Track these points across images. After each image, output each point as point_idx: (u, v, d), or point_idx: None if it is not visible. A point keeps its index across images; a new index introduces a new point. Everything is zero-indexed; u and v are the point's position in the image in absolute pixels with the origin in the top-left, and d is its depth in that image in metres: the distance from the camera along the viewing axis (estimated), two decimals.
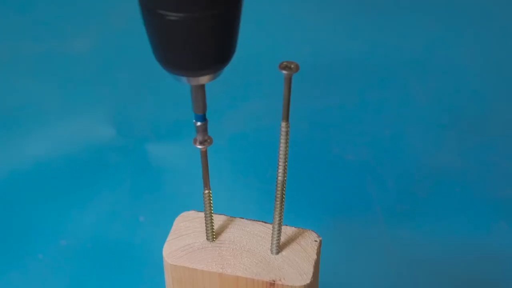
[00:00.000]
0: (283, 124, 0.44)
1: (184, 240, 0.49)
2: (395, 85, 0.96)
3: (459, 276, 0.73)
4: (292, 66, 0.41)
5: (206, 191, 0.48)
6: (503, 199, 0.80)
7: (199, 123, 0.45)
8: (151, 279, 0.72)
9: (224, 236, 0.49)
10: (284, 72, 0.41)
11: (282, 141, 0.45)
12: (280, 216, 0.47)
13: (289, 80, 0.42)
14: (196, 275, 0.47)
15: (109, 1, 1.10)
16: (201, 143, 0.45)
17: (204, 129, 0.45)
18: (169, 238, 0.49)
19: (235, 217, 0.50)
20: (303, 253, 0.48)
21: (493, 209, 0.79)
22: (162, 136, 0.89)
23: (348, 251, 0.74)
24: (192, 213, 0.51)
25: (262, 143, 0.87)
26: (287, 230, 0.49)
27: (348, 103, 0.93)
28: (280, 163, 0.45)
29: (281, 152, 0.45)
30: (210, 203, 0.48)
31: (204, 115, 0.45)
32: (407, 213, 0.79)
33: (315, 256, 0.48)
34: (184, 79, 0.42)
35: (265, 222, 0.50)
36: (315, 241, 0.49)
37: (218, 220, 0.50)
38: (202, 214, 0.50)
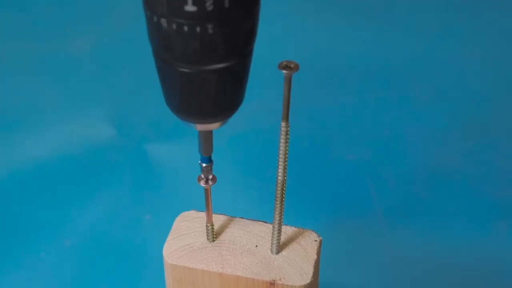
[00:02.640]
0: (283, 124, 0.44)
1: (184, 240, 0.49)
2: (395, 85, 0.96)
3: (459, 276, 0.73)
4: (292, 65, 0.41)
5: (209, 225, 0.48)
6: (503, 199, 0.80)
7: (204, 164, 0.46)
8: (151, 279, 0.72)
9: (224, 236, 0.49)
10: (284, 71, 0.41)
11: (282, 141, 0.45)
12: (280, 216, 0.47)
13: (289, 80, 0.42)
14: (196, 275, 0.47)
15: (109, 1, 1.10)
16: (205, 182, 0.46)
17: (209, 170, 0.46)
18: (169, 238, 0.49)
19: (235, 217, 0.50)
20: (303, 253, 0.48)
21: (493, 209, 0.79)
22: (162, 136, 0.89)
23: (348, 251, 0.74)
24: (192, 213, 0.51)
25: (262, 143, 0.87)
26: (287, 230, 0.49)
27: (348, 103, 0.93)
28: (280, 163, 0.45)
29: (281, 152, 0.45)
30: (213, 235, 0.49)
31: (210, 157, 0.46)
32: (407, 213, 0.79)
33: (315, 256, 0.48)
34: (193, 125, 0.43)
35: (265, 222, 0.50)
36: (315, 241, 0.49)
37: (218, 220, 0.50)
38: (202, 214, 0.50)
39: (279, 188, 0.46)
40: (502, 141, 0.87)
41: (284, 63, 0.41)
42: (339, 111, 0.92)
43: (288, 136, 0.45)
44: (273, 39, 1.01)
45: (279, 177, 0.46)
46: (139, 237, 0.77)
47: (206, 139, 0.45)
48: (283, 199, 0.46)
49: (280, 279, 0.46)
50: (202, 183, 0.46)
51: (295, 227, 0.49)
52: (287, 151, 0.45)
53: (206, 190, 0.47)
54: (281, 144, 0.45)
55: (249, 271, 0.47)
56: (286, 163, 0.46)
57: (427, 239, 0.76)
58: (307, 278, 0.46)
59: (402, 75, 0.97)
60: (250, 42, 0.39)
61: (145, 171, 0.84)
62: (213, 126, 0.43)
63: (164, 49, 0.38)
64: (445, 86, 0.96)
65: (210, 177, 0.46)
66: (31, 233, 0.77)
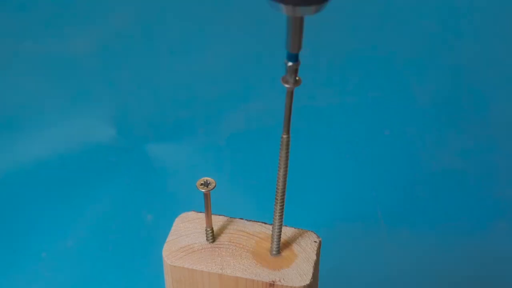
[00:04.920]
0: (284, 136, 0.44)
1: (184, 241, 0.49)
2: (395, 85, 0.96)
3: (459, 276, 0.73)
4: (296, 79, 0.40)
5: (209, 229, 0.48)
6: (503, 199, 0.80)
7: (290, 63, 0.40)
8: (151, 279, 0.72)
9: (223, 237, 0.49)
10: (286, 86, 0.41)
11: (283, 152, 0.44)
12: (280, 218, 0.47)
13: (290, 94, 0.42)
14: (195, 276, 0.47)
15: (109, 1, 1.10)
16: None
17: (295, 71, 0.40)
18: (168, 238, 0.49)
19: (234, 218, 0.50)
20: (303, 253, 0.48)
21: (493, 209, 0.79)
22: (162, 136, 0.89)
23: (348, 252, 0.74)
24: (191, 214, 0.51)
25: (262, 143, 0.87)
26: (287, 231, 0.49)
27: (348, 103, 0.93)
28: (280, 173, 0.45)
29: (281, 163, 0.45)
30: (213, 237, 0.48)
31: (297, 55, 0.40)
32: (407, 213, 0.79)
33: (314, 257, 0.48)
34: (282, 8, 0.37)
35: (265, 223, 0.50)
36: (315, 241, 0.49)
37: (218, 220, 0.50)
38: (201, 215, 0.50)
39: (279, 196, 0.46)
40: (502, 141, 0.87)
41: (289, 78, 0.40)
42: (339, 111, 0.92)
43: (289, 147, 0.44)
44: (273, 39, 1.01)
45: (279, 186, 0.46)
46: (139, 237, 0.77)
47: (296, 29, 0.39)
48: (283, 204, 0.46)
49: (279, 280, 0.46)
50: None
51: (294, 228, 0.49)
52: (287, 162, 0.45)
53: (205, 195, 0.47)
54: (282, 155, 0.44)
55: (249, 272, 0.47)
56: (286, 173, 0.45)
57: (427, 239, 0.76)
58: (307, 279, 0.46)
59: (402, 75, 0.97)
60: None
61: (145, 171, 0.84)
62: (301, 11, 0.38)
63: None
64: (445, 86, 0.96)
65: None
66: (32, 233, 0.77)
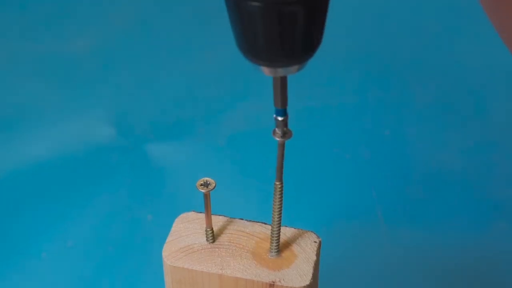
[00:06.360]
0: (277, 183, 0.45)
1: (184, 241, 0.49)
2: (395, 85, 0.96)
3: (459, 276, 0.73)
4: (286, 132, 0.42)
5: (209, 230, 0.48)
6: (503, 199, 0.80)
7: (280, 118, 0.42)
8: (151, 279, 0.72)
9: (223, 237, 0.49)
10: (278, 139, 0.42)
11: (277, 198, 0.46)
12: (279, 219, 0.47)
13: (282, 146, 0.43)
14: (195, 276, 0.47)
15: (109, 1, 1.10)
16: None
17: (284, 124, 0.42)
18: (168, 239, 0.49)
19: (234, 218, 0.50)
20: (303, 254, 0.48)
21: (493, 209, 0.79)
22: (162, 136, 0.89)
23: (348, 252, 0.74)
24: (191, 214, 0.51)
25: (262, 143, 0.87)
26: (287, 231, 0.49)
27: (348, 103, 0.93)
28: (274, 218, 0.46)
29: (275, 209, 0.46)
30: (212, 237, 0.48)
31: (285, 110, 0.42)
32: (407, 213, 0.79)
33: (314, 257, 0.48)
34: (264, 69, 0.39)
35: (265, 223, 0.50)
36: (315, 242, 0.49)
37: (218, 221, 0.50)
38: (201, 215, 0.50)
39: (275, 230, 0.46)
40: (502, 141, 0.87)
41: (278, 131, 0.42)
42: (339, 111, 0.92)
43: (282, 193, 0.45)
44: None
45: (274, 227, 0.46)
46: (139, 238, 0.77)
47: (278, 87, 0.41)
48: (280, 227, 0.47)
49: (279, 281, 0.46)
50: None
51: (294, 228, 0.49)
52: (281, 208, 0.46)
53: (205, 196, 0.47)
54: (276, 201, 0.46)
55: (249, 272, 0.47)
56: (280, 217, 0.46)
57: (426, 239, 0.76)
58: (307, 280, 0.46)
59: (402, 75, 0.97)
60: None
61: (145, 171, 0.84)
62: (282, 72, 0.39)
63: None
64: (445, 86, 0.96)
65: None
66: (32, 234, 0.77)
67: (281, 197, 0.46)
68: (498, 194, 0.81)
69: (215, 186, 0.47)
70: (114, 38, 1.03)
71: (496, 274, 0.73)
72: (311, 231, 0.49)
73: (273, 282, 0.46)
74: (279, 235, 0.47)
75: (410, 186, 0.82)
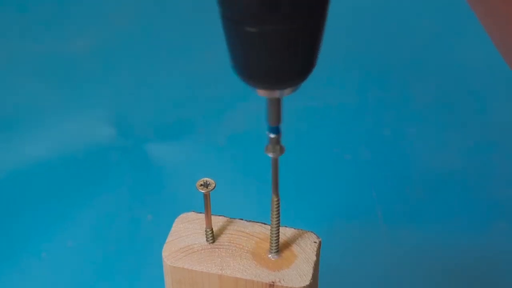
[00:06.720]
0: (275, 198, 0.45)
1: (184, 242, 0.49)
2: (395, 85, 0.96)
3: (459, 277, 0.73)
4: (279, 148, 0.42)
5: (208, 230, 0.48)
6: (503, 199, 0.80)
7: (272, 135, 0.42)
8: (152, 279, 0.72)
9: (223, 238, 0.49)
10: (270, 155, 0.42)
11: (274, 213, 0.46)
12: (277, 231, 0.47)
13: (275, 162, 0.44)
14: (195, 276, 0.47)
15: (109, 1, 1.10)
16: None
17: (277, 142, 0.43)
18: (168, 239, 0.49)
19: (234, 218, 0.50)
20: (303, 254, 0.48)
21: (493, 209, 0.79)
22: (162, 136, 0.89)
23: (348, 252, 0.74)
24: (191, 214, 0.51)
25: (262, 143, 0.87)
26: (287, 232, 0.49)
27: (348, 103, 0.93)
28: (273, 231, 0.47)
29: (273, 222, 0.46)
30: (212, 237, 0.48)
31: (278, 127, 0.42)
32: (407, 213, 0.79)
33: (314, 258, 0.48)
34: (258, 91, 0.40)
35: (265, 223, 0.50)
36: (315, 242, 0.49)
37: (218, 221, 0.50)
38: (201, 216, 0.50)
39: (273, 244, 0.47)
40: (502, 141, 0.87)
41: (269, 147, 0.42)
42: (339, 111, 0.92)
43: (279, 209, 0.46)
44: None
45: (273, 229, 0.47)
46: (139, 238, 0.77)
47: (273, 107, 0.41)
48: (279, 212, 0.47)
49: (279, 281, 0.46)
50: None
51: (294, 228, 0.49)
52: (279, 223, 0.46)
53: (205, 196, 0.47)
54: (273, 216, 0.46)
55: (248, 273, 0.47)
56: (278, 232, 0.47)
57: (426, 239, 0.76)
58: (307, 280, 0.46)
59: (402, 75, 0.97)
60: (317, 3, 0.36)
61: (145, 171, 0.84)
62: (278, 94, 0.39)
63: (227, 6, 0.37)
64: (445, 86, 0.96)
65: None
66: (32, 233, 0.77)
67: (279, 211, 0.46)
68: (498, 194, 0.81)
69: (215, 187, 0.47)
70: (114, 38, 1.03)
71: (496, 274, 0.73)
72: (311, 231, 0.49)
73: (273, 283, 0.46)
74: (278, 235, 0.47)
75: (410, 186, 0.82)
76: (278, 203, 0.46)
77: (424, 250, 0.75)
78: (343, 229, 0.77)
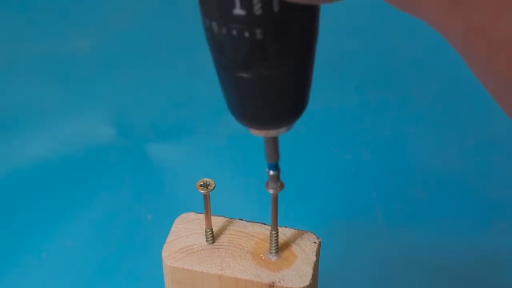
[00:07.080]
0: (273, 232, 0.46)
1: (184, 242, 0.49)
2: (395, 85, 0.96)
3: (459, 277, 0.73)
4: (279, 185, 0.43)
5: (208, 230, 0.48)
6: (503, 199, 0.80)
7: (272, 172, 0.43)
8: (152, 279, 0.72)
9: (223, 238, 0.49)
10: (271, 191, 0.43)
11: (273, 243, 0.47)
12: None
13: (275, 198, 0.45)
14: (195, 277, 0.47)
15: (109, 1, 1.10)
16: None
17: (277, 178, 0.44)
18: (168, 239, 0.49)
19: (234, 219, 0.50)
20: (303, 254, 0.48)
21: (493, 209, 0.79)
22: (162, 136, 0.89)
23: (348, 253, 0.74)
24: (191, 215, 0.51)
25: (262, 143, 0.87)
26: (286, 232, 0.49)
27: (348, 103, 0.93)
28: (272, 248, 0.47)
29: (272, 248, 0.47)
30: (212, 238, 0.49)
31: (277, 164, 0.43)
32: (407, 213, 0.79)
33: (314, 258, 0.48)
34: (255, 132, 0.41)
35: (265, 224, 0.50)
36: (315, 242, 0.49)
37: (218, 222, 0.50)
38: (201, 216, 0.50)
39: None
40: (502, 141, 0.87)
41: (270, 183, 0.43)
42: (339, 112, 0.92)
43: (278, 242, 0.47)
44: None
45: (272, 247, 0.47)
46: (139, 238, 0.77)
47: (270, 145, 0.42)
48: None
49: (279, 281, 0.46)
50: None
51: (294, 228, 0.49)
52: (278, 247, 0.47)
53: (205, 196, 0.47)
54: (272, 246, 0.47)
55: (248, 273, 0.47)
56: (277, 237, 0.47)
57: (426, 239, 0.76)
58: (306, 280, 0.46)
59: (402, 75, 0.97)
60: (304, 47, 0.38)
61: (145, 171, 0.84)
62: (273, 133, 0.40)
63: (218, 54, 0.38)
64: (445, 86, 0.96)
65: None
66: (32, 233, 0.77)
67: (277, 245, 0.47)
68: (498, 194, 0.81)
69: (214, 187, 0.47)
70: (114, 38, 1.03)
71: (496, 274, 0.73)
72: (311, 232, 0.49)
73: (273, 283, 0.46)
74: (278, 236, 0.47)
75: (410, 186, 0.82)
76: (277, 237, 0.47)
77: (424, 250, 0.75)
78: (343, 229, 0.77)
